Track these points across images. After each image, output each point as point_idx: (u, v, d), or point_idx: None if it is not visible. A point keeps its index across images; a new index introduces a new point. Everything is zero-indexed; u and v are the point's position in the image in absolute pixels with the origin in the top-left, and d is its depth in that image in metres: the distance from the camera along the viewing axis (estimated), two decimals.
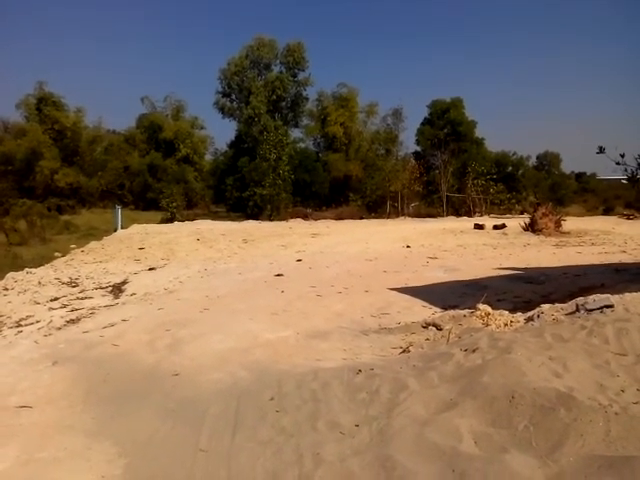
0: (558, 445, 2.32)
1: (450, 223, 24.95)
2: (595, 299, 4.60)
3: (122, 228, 22.92)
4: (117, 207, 24.69)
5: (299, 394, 3.60)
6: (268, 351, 5.18)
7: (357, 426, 2.94)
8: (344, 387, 3.54)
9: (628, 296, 4.72)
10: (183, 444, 3.31)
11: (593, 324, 3.82)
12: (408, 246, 15.16)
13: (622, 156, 8.47)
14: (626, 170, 8.64)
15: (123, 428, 3.63)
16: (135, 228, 23.09)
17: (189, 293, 8.91)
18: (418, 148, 40.38)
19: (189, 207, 35.93)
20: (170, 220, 28.40)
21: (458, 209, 34.50)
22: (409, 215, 33.38)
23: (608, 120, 78.14)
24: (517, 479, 2.18)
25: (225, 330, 6.04)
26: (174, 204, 30.34)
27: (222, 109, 39.56)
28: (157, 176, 39.80)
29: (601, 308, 4.38)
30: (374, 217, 32.19)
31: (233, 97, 39.57)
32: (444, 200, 34.80)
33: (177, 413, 3.81)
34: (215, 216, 33.70)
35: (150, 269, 12.10)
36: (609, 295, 4.75)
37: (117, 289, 9.78)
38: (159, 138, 42.76)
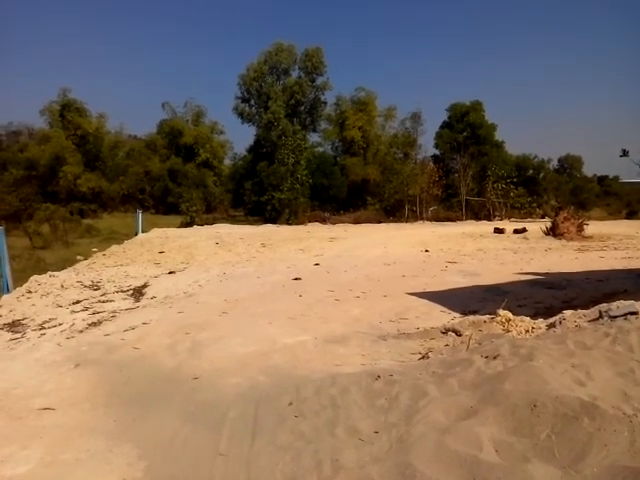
0: (581, 455, 2.27)
1: (469, 227, 24.71)
2: (619, 306, 4.51)
3: (143, 232, 23.20)
4: (138, 211, 25.02)
5: (318, 399, 3.60)
6: (286, 356, 5.20)
7: (376, 433, 2.93)
8: (363, 393, 3.52)
9: None
10: (203, 447, 3.34)
11: (617, 331, 3.74)
12: (427, 250, 15.05)
13: None
14: None
15: (144, 431, 3.68)
16: (155, 232, 23.37)
17: (208, 297, 8.98)
18: (437, 152, 40.26)
19: (208, 211, 36.28)
20: (189, 224, 28.68)
21: (477, 213, 34.13)
22: (428, 219, 33.13)
23: (632, 122, 76.53)
24: None
25: (244, 334, 6.08)
26: (194, 208, 30.67)
27: (241, 114, 39.87)
28: (177, 181, 40.38)
29: (625, 315, 4.30)
30: (392, 221, 32.04)
31: (252, 102, 39.88)
32: (463, 204, 34.48)
33: (197, 416, 3.84)
34: (234, 220, 33.98)
35: (170, 273, 12.22)
36: (633, 302, 4.65)
37: (138, 292, 9.91)
38: (179, 143, 43.39)
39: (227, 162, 47.14)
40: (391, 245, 16.87)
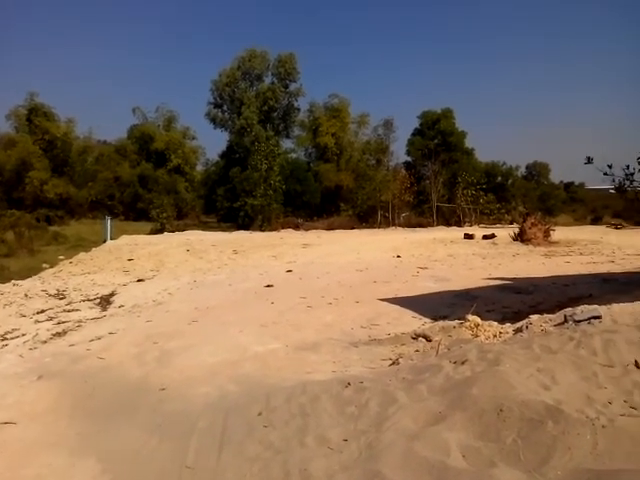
0: (546, 459, 2.31)
1: (440, 233, 25.04)
2: (583, 310, 4.62)
3: (111, 239, 22.75)
4: (107, 218, 24.54)
5: (288, 408, 3.57)
6: (257, 364, 5.14)
7: (346, 441, 2.91)
8: (333, 401, 3.51)
9: (616, 307, 4.74)
10: (169, 460, 3.26)
11: (581, 335, 3.83)
12: (399, 256, 15.18)
13: (610, 167, 8.58)
14: (614, 180, 8.75)
15: (108, 444, 3.58)
16: (124, 239, 22.93)
17: (178, 305, 8.85)
18: (409, 158, 40.74)
19: (179, 217, 35.88)
20: (160, 231, 28.25)
21: (448, 219, 34.66)
22: (400, 225, 33.48)
23: (597, 130, 79.16)
24: None
25: (214, 342, 5.99)
26: (164, 215, 30.24)
27: (214, 120, 39.65)
28: (148, 187, 39.77)
29: (589, 319, 4.40)
30: (365, 227, 32.25)
31: (225, 108, 39.69)
32: (434, 210, 34.98)
33: (164, 428, 3.76)
34: (205, 227, 33.62)
35: (139, 280, 12.01)
36: (597, 306, 4.78)
37: (105, 301, 9.71)
38: (150, 149, 42.78)
39: (199, 168, 46.82)
40: (364, 251, 16.95)
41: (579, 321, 4.42)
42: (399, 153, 42.15)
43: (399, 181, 34.40)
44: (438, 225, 32.84)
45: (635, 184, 8.73)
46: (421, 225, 32.61)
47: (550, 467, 2.26)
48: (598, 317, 4.39)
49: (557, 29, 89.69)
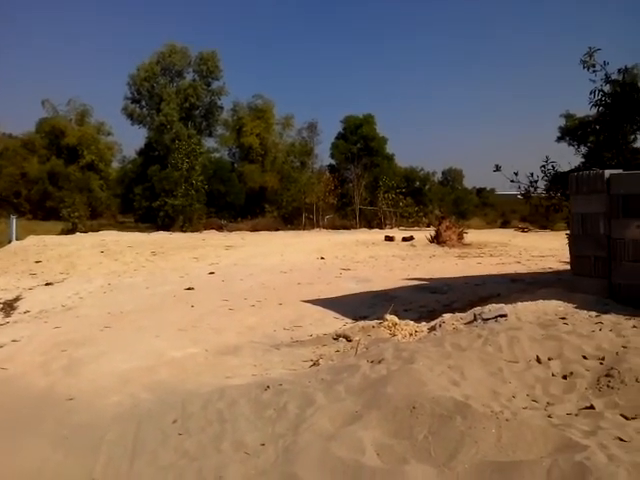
0: (454, 453, 2.40)
1: (363, 235, 25.63)
2: (490, 309, 4.91)
3: (17, 239, 21.14)
4: (12, 217, 22.75)
5: (204, 414, 3.47)
6: (174, 370, 4.97)
7: (263, 445, 2.88)
8: (251, 405, 3.46)
9: (520, 305, 5.07)
10: (76, 475, 3.07)
11: (488, 333, 4.06)
12: (322, 258, 15.35)
13: (516, 174, 9.20)
14: (519, 187, 9.40)
15: (8, 461, 3.31)
16: (32, 239, 21.34)
17: (90, 310, 8.38)
18: (333, 161, 41.38)
19: (93, 217, 34.01)
20: (72, 231, 26.64)
21: (370, 221, 35.63)
22: (324, 227, 33.91)
23: (507, 140, 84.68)
24: None
25: (128, 349, 5.72)
26: (76, 214, 28.54)
27: (131, 115, 37.97)
28: (58, 184, 37.30)
29: (496, 317, 4.68)
30: (290, 229, 32.32)
31: (143, 103, 38.15)
32: (357, 212, 35.83)
33: (71, 441, 3.53)
34: (122, 227, 32.13)
35: (47, 284, 11.26)
36: (503, 305, 5.08)
37: (8, 306, 9.04)
38: (61, 144, 40.12)
39: (115, 165, 44.52)
40: (288, 253, 16.97)
41: (487, 319, 4.68)
42: (323, 156, 42.77)
43: (323, 184, 34.90)
44: (361, 227, 33.62)
45: (539, 191, 9.44)
46: (345, 227, 33.23)
47: (458, 461, 2.35)
48: (504, 315, 4.68)
49: (476, 30, 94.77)
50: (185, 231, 29.23)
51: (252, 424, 3.19)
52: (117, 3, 79.42)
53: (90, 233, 25.95)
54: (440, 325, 5.01)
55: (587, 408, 2.87)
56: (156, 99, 36.92)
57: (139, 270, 13.32)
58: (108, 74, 79.14)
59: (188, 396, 3.91)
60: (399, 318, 5.85)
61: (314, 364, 4.78)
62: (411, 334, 5.19)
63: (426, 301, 8.06)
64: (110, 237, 23.22)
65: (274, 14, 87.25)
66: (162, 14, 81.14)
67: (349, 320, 7.05)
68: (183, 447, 3.08)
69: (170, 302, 8.88)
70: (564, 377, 3.28)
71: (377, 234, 25.39)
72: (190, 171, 31.47)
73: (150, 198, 32.28)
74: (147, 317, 7.62)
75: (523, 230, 29.00)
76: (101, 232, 26.77)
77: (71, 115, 43.02)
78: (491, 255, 15.85)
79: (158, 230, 29.22)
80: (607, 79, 8.78)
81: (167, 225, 30.54)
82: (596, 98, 8.85)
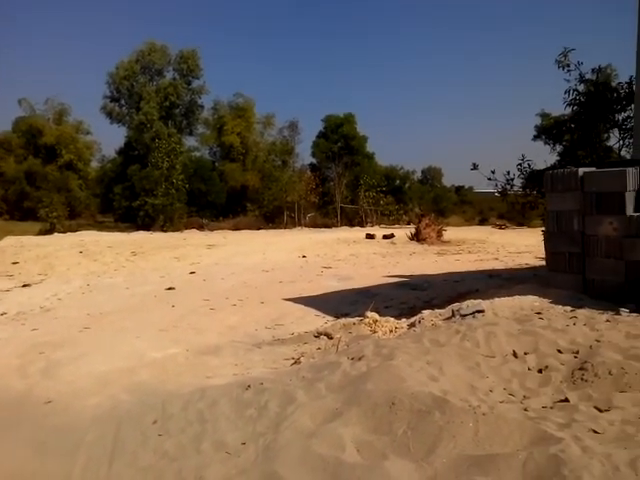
0: (433, 448, 2.44)
1: (344, 233, 25.70)
2: (468, 305, 4.98)
3: None
4: None
5: (185, 415, 3.46)
6: (155, 371, 4.93)
7: (244, 444, 2.88)
8: (232, 404, 3.46)
9: (497, 301, 5.16)
10: (54, 478, 3.04)
11: (466, 329, 4.12)
12: (304, 256, 15.36)
13: (493, 172, 9.37)
14: (496, 185, 9.56)
15: None
16: (8, 240, 20.92)
17: (69, 311, 8.26)
18: (314, 160, 41.41)
19: (72, 217, 33.45)
20: (50, 231, 26.21)
21: (351, 219, 35.80)
22: (306, 225, 33.93)
23: (485, 139, 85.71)
24: None
25: (107, 350, 5.65)
26: (54, 214, 28.09)
27: (110, 114, 37.44)
28: (36, 184, 36.63)
29: (473, 313, 4.75)
30: (271, 227, 32.26)
31: (122, 102, 37.63)
32: (338, 211, 35.97)
33: (49, 444, 3.49)
34: (101, 227, 31.71)
35: (24, 286, 11.03)
36: (481, 300, 5.17)
37: None
38: (39, 143, 39.41)
39: (94, 164, 43.87)
40: (270, 251, 16.95)
41: (465, 315, 4.76)
42: (304, 155, 42.87)
43: (305, 182, 34.95)
44: (342, 226, 33.72)
45: (515, 188, 9.61)
46: (326, 225, 33.30)
47: (436, 455, 2.39)
48: (482, 311, 4.76)
49: (456, 30, 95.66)
50: (166, 231, 28.96)
51: (233, 424, 3.19)
52: (97, 0, 77.93)
53: (69, 233, 25.56)
54: (419, 321, 5.07)
55: (562, 401, 2.94)
56: (136, 98, 36.45)
57: (119, 270, 13.16)
58: (87, 72, 77.79)
59: (168, 397, 3.89)
60: (380, 315, 5.90)
61: (295, 362, 4.79)
62: (391, 331, 5.24)
63: (406, 298, 8.13)
64: (89, 237, 22.89)
65: (256, 13, 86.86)
66: (142, 12, 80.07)
67: (330, 318, 7.08)
68: (163, 448, 3.06)
69: (151, 302, 8.80)
70: (540, 371, 3.35)
71: (358, 232, 25.49)
72: (170, 170, 31.19)
73: (130, 197, 31.91)
74: (127, 318, 7.55)
75: (500, 227, 29.40)
76: (80, 232, 26.38)
77: (49, 114, 42.32)
78: (469, 252, 16.04)
79: (138, 230, 28.91)
80: (581, 79, 8.99)
81: (147, 225, 30.22)
82: (571, 97, 9.05)
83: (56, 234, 25.15)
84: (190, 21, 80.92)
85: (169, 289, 10.00)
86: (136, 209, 31.12)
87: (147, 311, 8.05)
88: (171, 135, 33.99)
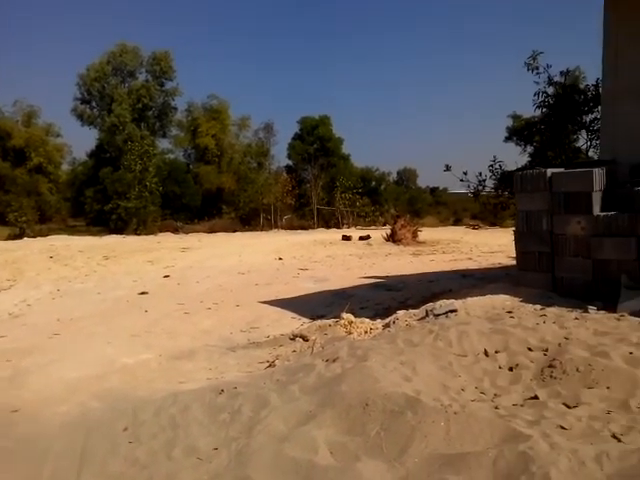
0: (405, 448, 2.44)
1: (320, 235, 25.71)
2: (442, 304, 5.03)
3: None
4: None
5: (156, 421, 3.40)
6: (126, 377, 4.84)
7: (216, 449, 2.84)
8: (205, 409, 3.41)
9: (470, 300, 5.22)
10: None
11: (439, 328, 4.15)
12: (280, 258, 15.30)
13: (465, 173, 9.51)
14: (469, 186, 9.70)
15: None
16: None
17: (38, 317, 8.05)
18: (290, 162, 41.36)
19: (42, 221, 32.61)
20: (19, 236, 25.58)
21: (328, 221, 35.84)
22: (282, 227, 33.84)
23: (458, 140, 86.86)
24: None
25: (77, 357, 5.53)
26: (24, 218, 27.44)
27: (81, 116, 36.76)
28: (4, 187, 35.54)
29: (447, 313, 4.80)
30: (248, 230, 32.06)
31: (94, 104, 36.99)
32: (315, 212, 35.98)
33: (15, 454, 3.39)
34: (73, 231, 31.07)
35: None
36: (454, 300, 5.22)
37: None
38: (7, 146, 38.23)
39: (65, 167, 42.82)
40: (246, 254, 16.83)
41: (438, 315, 4.80)
42: (280, 157, 42.76)
43: (281, 184, 34.90)
44: (318, 227, 33.75)
45: (487, 189, 9.77)
46: (302, 227, 33.28)
47: (409, 455, 2.39)
48: (454, 311, 4.80)
49: (433, 31, 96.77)
50: (139, 234, 28.52)
51: (205, 429, 3.15)
52: (66, 0, 76.35)
53: (39, 238, 24.95)
54: (394, 322, 5.10)
55: (532, 398, 2.99)
56: (107, 100, 35.87)
57: (90, 275, 12.89)
58: (57, 74, 75.95)
59: (140, 403, 3.82)
60: (355, 316, 5.91)
61: (270, 365, 4.76)
62: (366, 332, 5.25)
63: (382, 299, 8.17)
64: (60, 242, 22.37)
65: (229, 13, 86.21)
66: (112, 12, 78.70)
67: (306, 320, 7.06)
68: (133, 455, 3.00)
69: (123, 307, 8.65)
70: (510, 369, 3.40)
71: (335, 234, 25.53)
72: (143, 172, 30.77)
73: (102, 201, 31.36)
74: (98, 323, 7.40)
75: (474, 227, 29.82)
76: (50, 237, 25.77)
77: (17, 116, 41.13)
78: (444, 252, 16.21)
79: (111, 233, 28.41)
80: (550, 81, 9.19)
81: (120, 228, 29.73)
82: (540, 99, 9.26)
83: (26, 239, 24.53)
84: (161, 22, 79.85)
85: (142, 293, 9.84)
86: (108, 212, 30.61)
87: (119, 316, 7.90)
88: (144, 137, 33.52)
